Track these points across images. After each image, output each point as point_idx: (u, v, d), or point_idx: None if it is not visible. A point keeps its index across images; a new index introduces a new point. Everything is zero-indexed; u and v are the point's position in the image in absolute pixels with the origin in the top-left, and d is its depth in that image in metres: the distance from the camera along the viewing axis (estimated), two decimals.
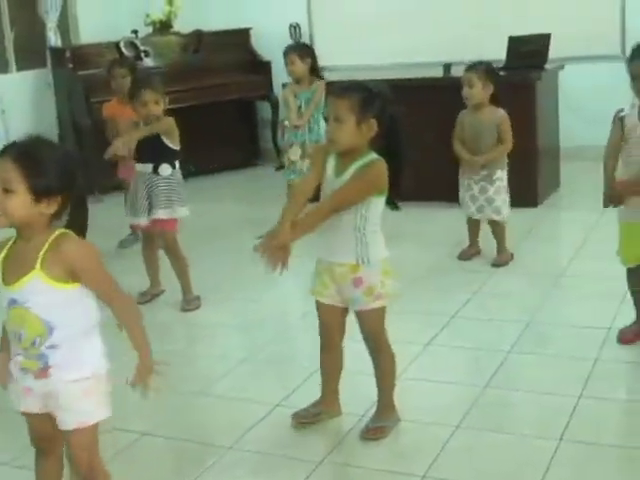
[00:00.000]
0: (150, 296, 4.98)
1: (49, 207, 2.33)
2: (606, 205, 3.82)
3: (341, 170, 3.11)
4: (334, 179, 3.12)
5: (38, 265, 2.31)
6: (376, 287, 3.15)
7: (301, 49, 6.26)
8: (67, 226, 2.42)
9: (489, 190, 5.17)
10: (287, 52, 6.29)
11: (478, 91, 5.07)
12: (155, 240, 4.97)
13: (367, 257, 3.12)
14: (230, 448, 3.29)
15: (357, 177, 3.06)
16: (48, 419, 2.50)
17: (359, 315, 3.23)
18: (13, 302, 2.36)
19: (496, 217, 5.22)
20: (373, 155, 3.09)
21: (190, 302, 4.88)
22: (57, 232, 2.36)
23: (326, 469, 3.11)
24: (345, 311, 3.29)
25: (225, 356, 4.21)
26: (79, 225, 2.47)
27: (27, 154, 2.31)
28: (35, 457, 2.65)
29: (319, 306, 3.30)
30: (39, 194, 2.29)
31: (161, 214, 4.75)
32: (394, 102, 3.13)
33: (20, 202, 2.28)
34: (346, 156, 3.10)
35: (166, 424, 3.54)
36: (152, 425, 3.51)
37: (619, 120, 3.77)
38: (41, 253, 2.32)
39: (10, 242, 2.41)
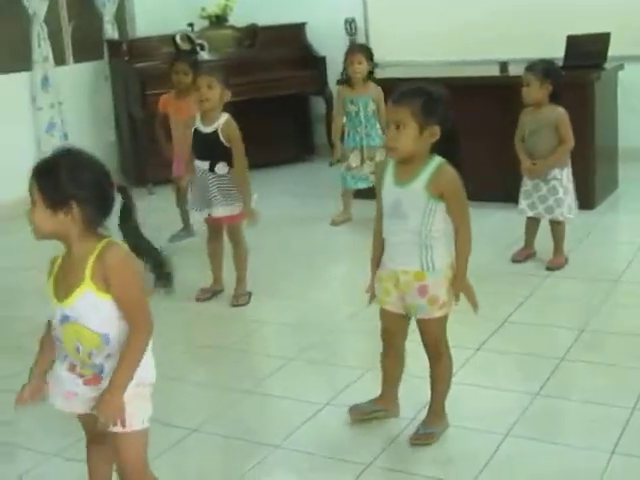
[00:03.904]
0: (211, 293, 4.98)
1: (71, 218, 2.31)
2: None
3: (405, 179, 3.06)
4: (396, 189, 3.07)
5: (88, 277, 2.32)
6: (441, 296, 3.12)
7: (367, 50, 6.26)
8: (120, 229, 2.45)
9: (546, 189, 5.10)
10: (353, 51, 6.28)
11: (534, 90, 5.00)
12: (221, 236, 4.95)
13: (432, 263, 3.09)
14: (278, 447, 3.29)
15: (453, 191, 3.03)
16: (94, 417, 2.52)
17: (421, 323, 3.20)
18: (66, 318, 2.37)
19: (558, 217, 5.13)
20: (437, 158, 3.04)
21: (240, 297, 4.89)
22: (104, 241, 2.36)
23: (374, 472, 3.09)
24: (407, 318, 3.26)
25: (274, 354, 4.22)
26: (128, 230, 2.49)
27: (43, 168, 2.33)
28: (86, 445, 2.68)
29: (382, 313, 3.28)
30: (53, 205, 2.30)
31: (220, 212, 4.74)
32: (451, 103, 3.09)
33: (40, 214, 2.31)
34: (408, 163, 3.06)
35: (216, 421, 3.56)
36: (202, 422, 3.53)
37: None
38: (89, 263, 2.32)
39: (59, 259, 2.42)
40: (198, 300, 4.91)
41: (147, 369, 2.48)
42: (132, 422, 2.44)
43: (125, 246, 2.42)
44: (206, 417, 3.59)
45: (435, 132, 2.99)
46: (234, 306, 4.84)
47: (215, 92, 4.62)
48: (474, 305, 3.21)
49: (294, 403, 3.65)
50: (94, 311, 2.33)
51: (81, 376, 2.43)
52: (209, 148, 4.71)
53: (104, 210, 2.38)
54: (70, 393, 2.47)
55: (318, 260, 5.67)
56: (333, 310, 4.76)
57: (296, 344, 4.32)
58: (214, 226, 4.92)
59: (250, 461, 3.22)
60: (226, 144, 4.67)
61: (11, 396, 3.79)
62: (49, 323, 2.48)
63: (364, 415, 3.40)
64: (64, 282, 2.36)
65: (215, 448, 3.38)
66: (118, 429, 2.43)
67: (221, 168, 4.70)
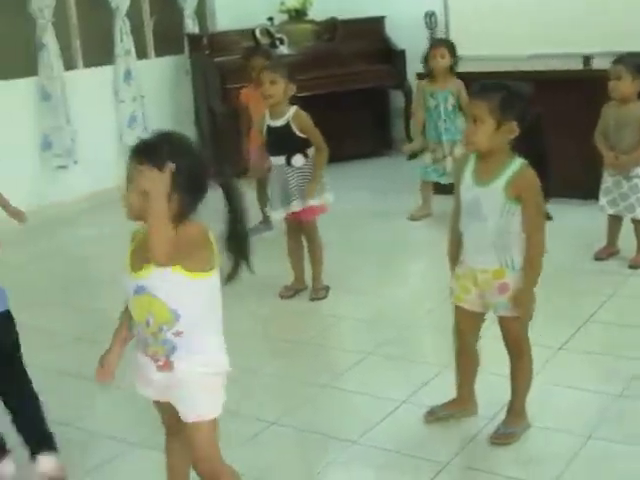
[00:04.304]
0: (294, 291, 4.97)
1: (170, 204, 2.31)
2: None
3: (486, 178, 3.02)
4: (476, 187, 3.04)
5: None
6: None
7: (450, 44, 6.20)
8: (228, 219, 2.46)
9: (627, 186, 4.99)
10: (436, 44, 6.24)
11: (626, 85, 4.88)
12: (300, 234, 4.95)
13: (512, 261, 3.04)
14: (355, 442, 3.28)
15: (531, 196, 2.97)
16: (172, 406, 2.54)
17: (502, 320, 3.15)
18: (141, 289, 2.39)
19: (638, 216, 5.02)
20: (518, 160, 3.00)
21: (318, 291, 4.90)
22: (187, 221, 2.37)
23: (452, 471, 3.07)
24: (483, 316, 3.23)
25: (351, 349, 4.21)
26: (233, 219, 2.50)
27: (145, 146, 2.35)
28: (165, 436, 2.71)
29: (458, 311, 3.25)
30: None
31: (296, 206, 4.74)
32: (534, 100, 3.04)
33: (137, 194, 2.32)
34: (488, 161, 3.02)
35: (292, 414, 3.56)
36: (280, 415, 3.54)
37: None
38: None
39: (141, 234, 2.44)
40: (282, 297, 4.93)
41: (222, 354, 2.50)
42: (204, 412, 2.47)
43: (204, 226, 2.40)
44: (283, 410, 3.60)
45: (513, 128, 2.95)
46: (312, 300, 4.85)
47: (278, 87, 4.64)
48: (523, 316, 3.11)
49: (371, 399, 3.64)
50: (167, 285, 2.35)
51: (155, 360, 2.45)
52: (283, 142, 4.72)
53: (198, 195, 2.39)
54: (148, 379, 2.50)
55: (396, 255, 5.65)
56: (411, 306, 4.74)
57: (373, 339, 4.31)
58: (293, 224, 4.93)
59: (326, 456, 3.23)
60: (299, 134, 4.67)
61: (88, 386, 3.86)
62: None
63: (440, 419, 3.38)
64: (143, 255, 2.37)
65: (291, 442, 3.39)
66: (192, 419, 2.45)
67: (298, 160, 4.71)
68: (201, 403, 2.46)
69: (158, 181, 2.26)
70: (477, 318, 3.22)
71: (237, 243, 2.47)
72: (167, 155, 2.29)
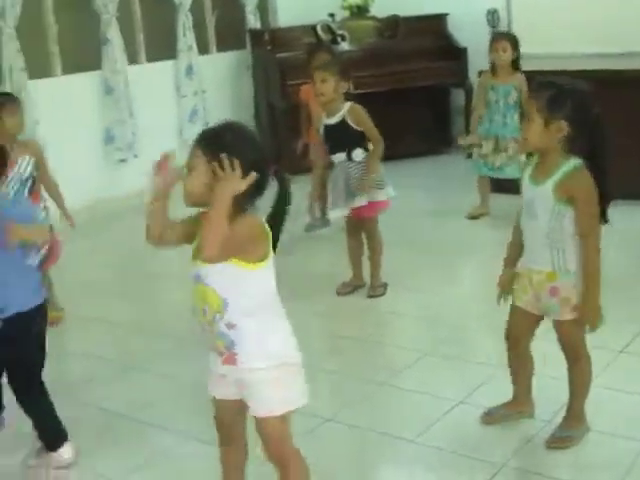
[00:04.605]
0: (352, 287, 4.97)
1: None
2: None
3: (540, 178, 2.99)
4: (533, 187, 3.01)
5: None
6: (573, 298, 3.01)
7: (512, 38, 6.12)
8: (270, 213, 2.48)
9: None
10: (497, 38, 6.17)
11: None
12: (360, 231, 4.94)
13: (564, 265, 3.00)
14: (411, 442, 3.27)
15: (583, 199, 2.92)
16: (235, 407, 2.56)
17: (556, 324, 3.12)
18: (198, 278, 2.42)
19: None
20: (573, 160, 2.95)
21: (376, 288, 4.89)
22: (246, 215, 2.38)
23: (508, 474, 3.04)
24: (539, 319, 3.19)
25: (409, 347, 4.20)
26: (276, 213, 2.52)
27: (209, 135, 2.37)
28: (219, 447, 2.71)
29: (513, 309, 3.22)
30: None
31: (358, 201, 4.73)
32: (594, 99, 2.98)
33: (197, 180, 2.34)
34: (544, 161, 2.99)
35: (350, 411, 3.57)
36: (336, 411, 3.55)
37: None
38: None
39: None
40: (339, 294, 4.93)
41: (287, 347, 2.51)
42: (277, 406, 2.47)
43: (258, 217, 2.42)
44: (340, 407, 3.61)
45: (562, 127, 2.91)
46: (370, 297, 4.85)
47: (329, 85, 4.64)
48: (593, 325, 3.05)
49: (428, 398, 3.63)
50: (220, 275, 2.36)
51: (220, 354, 2.47)
52: (341, 138, 4.72)
53: (259, 192, 2.39)
54: (220, 375, 2.52)
55: (454, 254, 5.61)
56: (469, 305, 4.71)
57: (431, 338, 4.30)
58: (353, 221, 4.92)
59: (383, 454, 3.23)
60: (357, 128, 4.68)
61: (153, 378, 3.93)
62: None
63: (497, 421, 3.36)
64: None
65: (347, 439, 3.39)
66: (264, 414, 2.47)
67: (358, 154, 4.71)
68: (270, 398, 2.47)
69: (229, 185, 2.28)
70: (532, 320, 3.19)
71: (275, 229, 2.49)
72: (229, 152, 2.30)
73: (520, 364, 3.31)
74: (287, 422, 2.53)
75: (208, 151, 2.32)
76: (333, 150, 4.79)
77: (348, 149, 4.71)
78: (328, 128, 4.76)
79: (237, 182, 2.28)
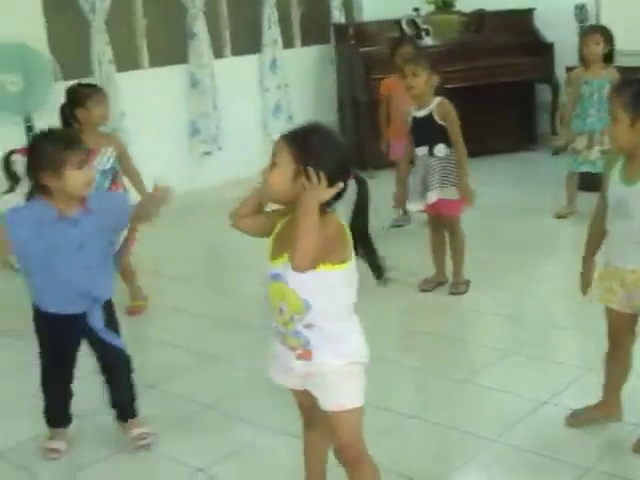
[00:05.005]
0: (434, 284, 4.93)
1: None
2: None
3: (633, 177, 2.92)
4: (623, 186, 2.94)
5: None
6: None
7: (606, 31, 5.98)
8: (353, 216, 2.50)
9: None
10: (590, 31, 6.05)
11: None
12: (442, 228, 4.90)
13: None
14: (494, 441, 3.23)
15: None
16: (309, 394, 2.56)
17: None
18: (276, 276, 2.41)
19: None
20: None
21: (458, 286, 4.85)
22: (327, 214, 2.37)
23: (594, 478, 2.97)
24: (634, 317, 3.11)
25: (490, 346, 4.15)
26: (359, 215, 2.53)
27: (297, 134, 2.36)
28: (302, 428, 2.73)
29: (608, 312, 3.15)
30: (298, 170, 2.32)
31: (434, 196, 4.70)
32: None
33: (280, 177, 2.33)
34: (634, 159, 2.92)
35: (431, 408, 3.55)
36: (418, 409, 3.53)
37: None
38: None
39: (287, 218, 2.45)
40: (421, 290, 4.90)
41: (359, 345, 2.50)
42: (345, 401, 2.46)
43: (339, 219, 2.41)
44: (422, 404, 3.60)
45: None
46: (452, 294, 4.81)
47: (420, 79, 4.62)
48: None
49: (511, 397, 3.58)
50: (302, 277, 2.34)
51: (292, 349, 2.47)
52: (426, 131, 4.70)
53: (339, 194, 2.38)
54: (287, 368, 2.52)
55: (539, 252, 5.53)
56: (553, 305, 4.64)
57: (514, 337, 4.25)
58: (435, 218, 4.89)
59: (465, 453, 3.19)
60: (442, 123, 4.64)
61: (236, 370, 3.95)
62: None
63: (583, 424, 3.29)
64: (282, 242, 2.40)
65: (430, 436, 3.37)
66: (333, 408, 2.46)
67: (440, 150, 4.68)
68: (341, 392, 2.46)
69: (315, 196, 2.29)
70: (628, 319, 3.12)
71: (360, 236, 2.51)
72: (315, 153, 2.32)
73: (617, 365, 3.23)
74: (359, 420, 2.52)
75: (295, 153, 2.33)
76: (417, 143, 4.77)
77: (431, 143, 4.69)
78: (416, 120, 4.74)
79: (323, 192, 2.30)
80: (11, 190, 2.97)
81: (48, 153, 3.01)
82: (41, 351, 3.29)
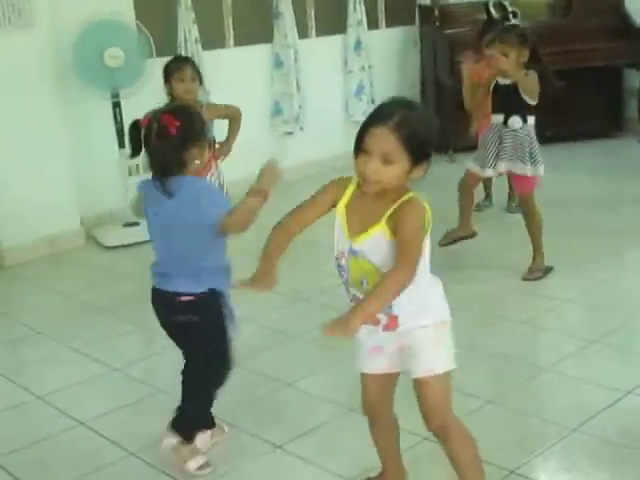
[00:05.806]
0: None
1: (417, 173, 2.34)
2: None
3: None
4: None
5: (384, 221, 2.34)
6: None
7: None
8: None
9: None
10: None
11: None
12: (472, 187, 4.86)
13: None
14: (574, 430, 3.18)
15: None
16: (386, 381, 2.57)
17: None
18: (354, 252, 2.41)
19: None
20: None
21: (533, 272, 4.79)
22: (409, 195, 2.36)
23: None
24: None
25: (572, 334, 4.09)
26: None
27: (406, 124, 2.29)
28: (368, 425, 2.73)
29: None
30: (416, 163, 2.32)
31: (503, 167, 4.70)
32: None
33: (399, 172, 2.31)
34: None
35: (511, 395, 3.52)
36: (497, 394, 3.50)
37: None
38: (389, 212, 2.34)
39: (351, 188, 2.44)
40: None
41: (443, 304, 2.50)
42: (436, 366, 2.45)
43: (418, 198, 2.39)
44: (501, 389, 3.57)
45: None
46: (524, 280, 4.75)
47: (510, 59, 4.56)
48: None
49: (593, 387, 3.53)
50: (379, 249, 2.35)
51: (376, 323, 2.44)
52: (505, 99, 4.69)
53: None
54: (375, 348, 2.52)
55: (625, 241, 5.42)
56: (638, 295, 4.54)
57: (597, 326, 4.18)
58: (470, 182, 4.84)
59: (544, 440, 3.15)
60: (522, 95, 4.60)
61: (314, 348, 3.94)
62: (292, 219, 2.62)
63: None
64: (358, 220, 2.40)
65: (507, 422, 3.33)
66: (424, 374, 2.44)
67: (515, 122, 4.65)
68: (432, 357, 2.45)
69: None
70: None
71: None
72: (426, 138, 2.32)
73: None
74: (448, 385, 2.51)
75: (407, 145, 2.29)
76: (495, 110, 4.76)
77: (507, 113, 4.67)
78: (499, 88, 4.74)
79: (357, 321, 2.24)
80: (136, 155, 2.98)
81: (203, 130, 2.96)
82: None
